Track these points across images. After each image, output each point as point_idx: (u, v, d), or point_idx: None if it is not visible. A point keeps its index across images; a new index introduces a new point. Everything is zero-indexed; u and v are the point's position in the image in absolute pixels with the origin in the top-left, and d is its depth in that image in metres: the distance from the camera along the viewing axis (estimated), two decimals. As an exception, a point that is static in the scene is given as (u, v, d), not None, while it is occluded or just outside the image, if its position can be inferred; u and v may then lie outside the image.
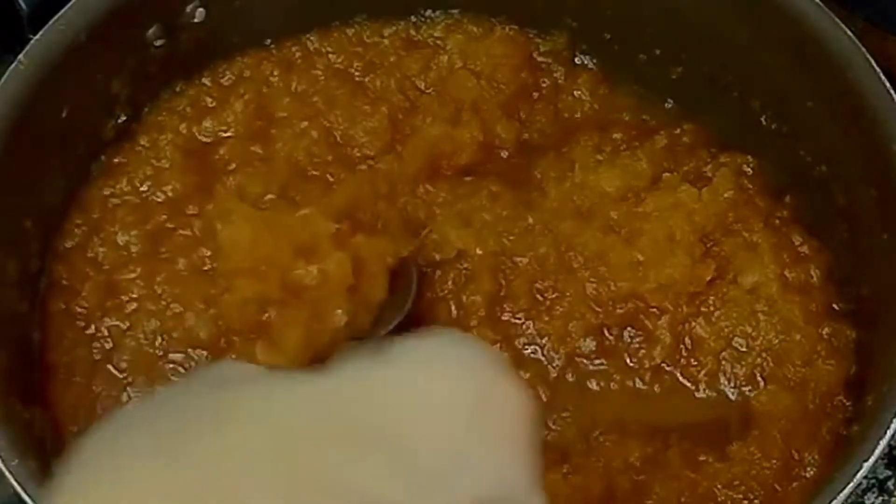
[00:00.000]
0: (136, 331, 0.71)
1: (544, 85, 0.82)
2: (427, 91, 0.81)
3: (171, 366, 0.70)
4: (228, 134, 0.79)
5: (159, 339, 0.71)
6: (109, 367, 0.70)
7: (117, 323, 0.71)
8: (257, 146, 0.78)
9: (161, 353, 0.70)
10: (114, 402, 0.69)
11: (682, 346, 0.72)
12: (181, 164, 0.77)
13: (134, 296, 0.72)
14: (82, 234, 0.75)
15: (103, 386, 0.69)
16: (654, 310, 0.72)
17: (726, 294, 0.72)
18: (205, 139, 0.78)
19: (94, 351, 0.71)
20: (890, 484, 0.75)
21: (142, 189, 0.76)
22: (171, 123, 0.79)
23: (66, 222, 0.75)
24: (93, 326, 0.71)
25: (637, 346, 0.72)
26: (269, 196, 0.76)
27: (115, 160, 0.77)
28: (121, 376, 0.70)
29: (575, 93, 0.82)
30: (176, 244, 0.74)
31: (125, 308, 0.72)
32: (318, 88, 0.80)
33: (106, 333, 0.71)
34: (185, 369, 0.70)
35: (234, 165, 0.77)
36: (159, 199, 0.76)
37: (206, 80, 0.81)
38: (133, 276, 0.73)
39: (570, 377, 0.71)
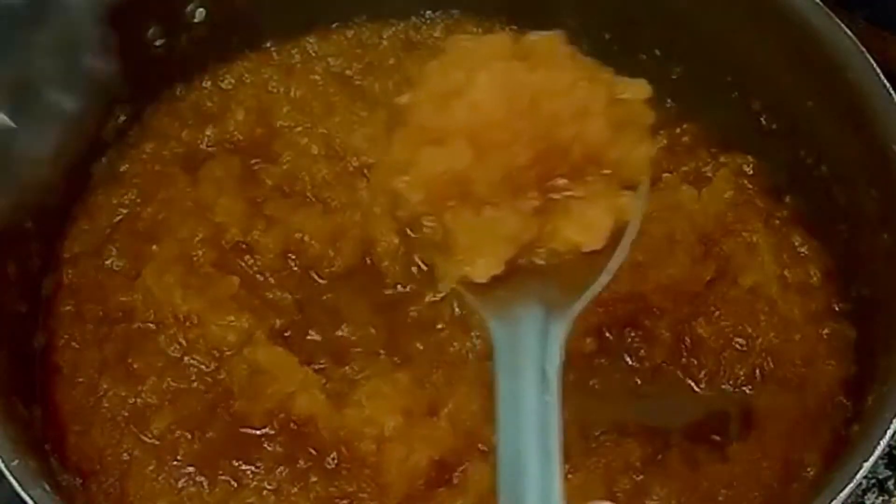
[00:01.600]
0: (157, 334, 0.71)
1: (544, 85, 0.82)
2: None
3: (191, 366, 0.70)
4: (230, 143, 0.79)
5: (177, 344, 0.70)
6: (123, 367, 0.70)
7: (136, 325, 0.71)
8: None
9: (180, 356, 0.70)
10: (121, 401, 0.69)
11: (682, 345, 0.72)
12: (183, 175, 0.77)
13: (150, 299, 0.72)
14: (92, 240, 0.75)
15: (110, 385, 0.69)
16: (655, 310, 0.72)
17: (726, 294, 0.72)
18: (207, 148, 0.79)
19: (106, 352, 0.70)
20: (890, 484, 0.75)
21: (148, 199, 0.76)
22: (174, 131, 0.79)
23: (72, 227, 0.75)
24: (105, 328, 0.71)
25: (637, 346, 0.72)
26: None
27: (121, 168, 0.77)
28: (134, 377, 0.70)
29: (575, 93, 0.82)
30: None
31: (140, 312, 0.72)
32: (316, 94, 0.80)
33: (121, 335, 0.71)
34: (205, 369, 0.70)
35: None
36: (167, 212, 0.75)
37: (206, 84, 0.81)
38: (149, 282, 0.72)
39: (570, 377, 0.71)
